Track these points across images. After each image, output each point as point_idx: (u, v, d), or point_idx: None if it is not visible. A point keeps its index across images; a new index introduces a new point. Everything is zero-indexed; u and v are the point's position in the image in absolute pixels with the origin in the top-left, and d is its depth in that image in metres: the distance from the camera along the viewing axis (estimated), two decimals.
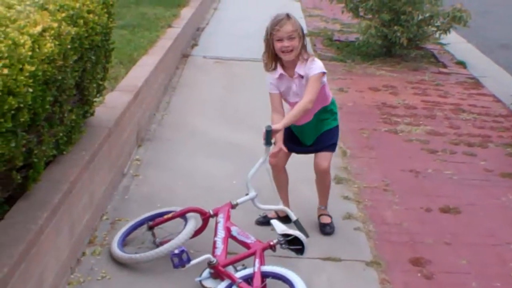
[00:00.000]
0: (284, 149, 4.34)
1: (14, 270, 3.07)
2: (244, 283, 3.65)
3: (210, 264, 3.77)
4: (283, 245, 3.89)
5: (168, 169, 5.60)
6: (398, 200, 5.43)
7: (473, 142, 6.90)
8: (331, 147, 4.71)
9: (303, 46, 4.35)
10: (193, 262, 3.74)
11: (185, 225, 4.21)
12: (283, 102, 4.57)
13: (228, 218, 4.17)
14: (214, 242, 4.01)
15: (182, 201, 4.90)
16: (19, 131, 3.23)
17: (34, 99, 3.32)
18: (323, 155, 4.63)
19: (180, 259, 3.72)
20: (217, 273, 3.80)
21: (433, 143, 6.80)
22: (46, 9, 3.84)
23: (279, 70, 4.41)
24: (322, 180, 4.75)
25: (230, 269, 3.86)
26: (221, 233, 4.05)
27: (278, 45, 4.26)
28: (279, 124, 4.19)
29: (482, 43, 11.83)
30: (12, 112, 3.07)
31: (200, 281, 3.82)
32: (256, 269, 3.70)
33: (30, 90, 3.22)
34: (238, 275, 3.75)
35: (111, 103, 5.50)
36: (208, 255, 3.82)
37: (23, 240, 3.22)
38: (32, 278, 3.35)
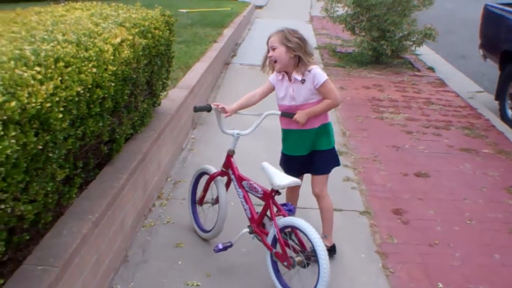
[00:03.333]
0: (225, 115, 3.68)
1: (103, 215, 3.13)
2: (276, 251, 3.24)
3: (250, 233, 3.44)
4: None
5: (215, 145, 5.60)
6: (383, 167, 5.39)
7: (439, 125, 6.82)
8: (324, 169, 3.69)
9: (299, 59, 3.44)
10: (236, 239, 3.48)
11: (218, 188, 3.70)
12: (277, 104, 3.75)
13: (235, 169, 3.58)
14: (241, 204, 3.54)
15: None
16: (105, 114, 3.28)
17: (115, 91, 3.38)
18: (316, 180, 3.69)
19: (225, 246, 3.46)
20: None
21: (409, 126, 6.73)
22: (123, 26, 3.88)
23: (282, 72, 3.58)
24: (320, 205, 3.75)
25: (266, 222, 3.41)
26: (240, 192, 3.52)
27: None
28: (303, 116, 3.47)
29: (446, 54, 11.69)
30: (100, 100, 3.13)
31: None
32: (275, 229, 3.20)
33: (113, 84, 3.28)
34: (269, 238, 3.29)
35: (173, 97, 5.53)
36: (245, 230, 3.44)
37: (109, 194, 3.28)
38: (116, 222, 3.42)
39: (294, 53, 3.43)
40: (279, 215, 3.28)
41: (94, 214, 3.00)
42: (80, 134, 2.93)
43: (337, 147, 3.51)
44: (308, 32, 13.41)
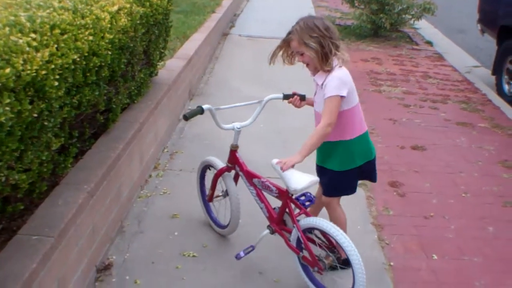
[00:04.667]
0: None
1: (99, 185, 3.09)
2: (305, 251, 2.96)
3: (271, 233, 3.14)
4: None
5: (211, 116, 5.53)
6: (381, 140, 5.35)
7: (436, 99, 6.78)
8: (327, 192, 3.18)
9: (324, 55, 2.80)
10: (257, 242, 3.15)
11: (226, 184, 3.39)
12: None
13: (242, 165, 3.23)
14: (256, 202, 3.22)
15: (222, 138, 4.84)
16: (101, 83, 3.22)
17: (112, 60, 3.31)
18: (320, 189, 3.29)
19: (247, 252, 3.13)
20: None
21: (407, 99, 6.68)
22: None
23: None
24: (329, 216, 3.26)
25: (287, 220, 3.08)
26: (252, 190, 3.20)
27: None
28: (297, 157, 2.79)
29: (445, 28, 11.58)
30: (96, 69, 3.06)
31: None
32: (298, 232, 2.90)
33: (109, 53, 3.21)
34: (293, 238, 3.01)
35: (170, 67, 5.44)
36: (265, 232, 3.14)
37: (105, 164, 3.23)
38: (112, 191, 3.38)
39: (320, 53, 2.81)
40: (299, 214, 2.96)
41: (89, 184, 2.95)
42: (76, 102, 2.87)
43: None
44: (307, 4, 13.25)
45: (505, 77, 7.22)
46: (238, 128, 3.22)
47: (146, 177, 4.22)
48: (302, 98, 3.19)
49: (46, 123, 2.52)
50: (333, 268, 3.05)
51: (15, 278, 2.20)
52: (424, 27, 11.41)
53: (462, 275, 3.40)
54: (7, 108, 2.13)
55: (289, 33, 2.93)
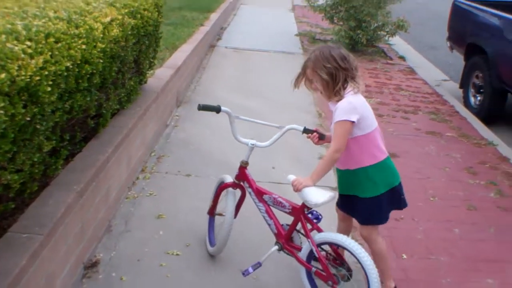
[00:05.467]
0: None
1: (88, 186, 3.07)
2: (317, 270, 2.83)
3: (279, 250, 2.97)
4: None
5: (198, 122, 5.53)
6: None
7: (408, 110, 6.85)
8: (364, 220, 2.94)
9: (336, 85, 2.67)
10: (264, 258, 2.94)
11: (226, 200, 3.16)
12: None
13: (251, 182, 3.02)
14: (264, 219, 3.03)
15: (208, 144, 4.86)
16: (93, 89, 3.20)
17: (103, 68, 3.29)
18: (360, 225, 3.02)
19: (255, 268, 2.92)
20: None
21: (381, 110, 6.72)
22: (113, 6, 3.76)
23: None
24: (370, 248, 3.00)
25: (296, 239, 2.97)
26: (261, 207, 3.00)
27: None
28: (309, 182, 2.69)
29: (417, 44, 11.73)
30: (88, 76, 3.04)
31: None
32: (312, 247, 2.77)
33: (101, 61, 3.19)
34: (303, 254, 2.87)
35: (159, 76, 5.41)
36: (274, 248, 2.95)
37: (94, 166, 3.20)
38: (100, 192, 3.35)
39: (331, 84, 2.69)
40: (312, 230, 2.83)
41: (79, 185, 2.93)
42: (67, 107, 2.85)
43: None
44: (290, 20, 13.33)
45: (472, 91, 7.33)
46: (252, 145, 3.01)
47: (133, 179, 4.19)
48: (322, 137, 2.91)
49: (38, 126, 2.50)
50: (344, 280, 2.88)
51: (5, 274, 2.18)
52: (398, 43, 11.53)
53: (430, 273, 3.44)
54: (1, 111, 2.12)
55: (308, 59, 2.79)
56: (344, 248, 2.76)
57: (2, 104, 2.12)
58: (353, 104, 2.67)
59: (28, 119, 2.36)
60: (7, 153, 2.25)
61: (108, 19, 3.44)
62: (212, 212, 3.41)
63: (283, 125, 2.98)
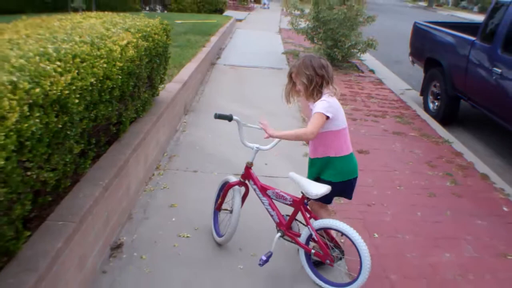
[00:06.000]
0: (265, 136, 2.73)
1: (112, 182, 3.07)
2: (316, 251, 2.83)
3: (282, 237, 2.95)
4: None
5: (203, 127, 5.54)
6: None
7: (377, 114, 6.84)
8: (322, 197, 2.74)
9: (313, 88, 2.72)
10: (273, 246, 2.89)
11: (233, 197, 3.13)
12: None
13: (256, 180, 3.00)
14: (267, 210, 3.01)
15: (210, 145, 4.86)
16: (113, 101, 3.20)
17: (122, 83, 3.29)
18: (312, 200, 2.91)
19: (268, 256, 2.85)
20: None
21: (354, 115, 6.74)
22: (129, 31, 3.78)
23: None
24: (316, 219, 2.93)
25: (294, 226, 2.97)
26: (265, 201, 2.98)
27: None
28: (274, 133, 2.73)
29: (384, 59, 11.74)
30: (109, 90, 3.05)
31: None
32: (312, 232, 2.78)
33: (120, 77, 3.20)
34: (302, 239, 2.87)
35: (169, 89, 5.41)
36: (277, 235, 2.92)
37: (116, 165, 3.21)
38: (122, 187, 3.36)
39: (309, 87, 2.74)
40: (310, 218, 2.84)
41: (104, 181, 2.94)
42: (93, 116, 2.86)
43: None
44: (277, 41, 13.33)
45: (430, 97, 7.35)
46: (257, 149, 3.01)
47: (149, 175, 4.20)
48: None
49: (69, 132, 2.51)
50: (338, 259, 2.91)
51: (45, 255, 2.20)
52: (368, 59, 11.55)
53: (397, 249, 3.45)
54: (37, 120, 2.14)
55: (293, 66, 2.84)
56: (339, 231, 2.75)
57: (38, 114, 2.15)
58: (330, 103, 2.70)
59: (60, 126, 2.38)
60: (43, 155, 2.26)
61: (125, 42, 3.45)
62: (219, 207, 3.36)
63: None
